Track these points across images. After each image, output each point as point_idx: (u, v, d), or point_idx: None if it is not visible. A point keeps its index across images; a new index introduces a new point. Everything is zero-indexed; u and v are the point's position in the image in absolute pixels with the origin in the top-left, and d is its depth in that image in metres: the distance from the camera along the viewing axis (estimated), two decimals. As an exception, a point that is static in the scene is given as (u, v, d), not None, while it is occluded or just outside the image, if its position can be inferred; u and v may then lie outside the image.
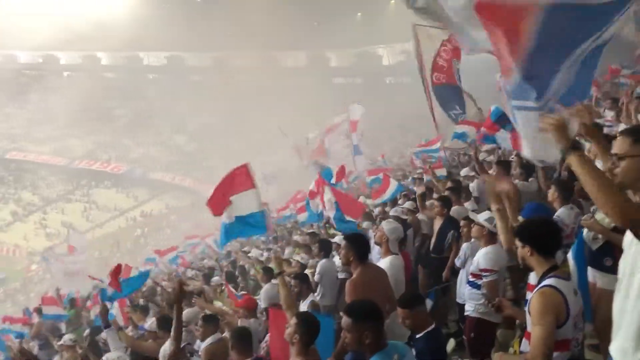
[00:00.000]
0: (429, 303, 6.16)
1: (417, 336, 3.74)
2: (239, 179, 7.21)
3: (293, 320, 3.72)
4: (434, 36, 9.39)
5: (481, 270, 4.75)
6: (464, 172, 9.83)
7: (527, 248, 3.04)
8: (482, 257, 4.79)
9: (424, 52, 9.32)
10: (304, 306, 5.64)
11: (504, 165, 7.20)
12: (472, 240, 5.34)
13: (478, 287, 4.80)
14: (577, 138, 2.51)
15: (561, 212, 4.93)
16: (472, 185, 8.42)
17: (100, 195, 50.31)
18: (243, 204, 7.00)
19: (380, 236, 4.94)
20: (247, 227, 7.05)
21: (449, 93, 9.16)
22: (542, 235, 3.06)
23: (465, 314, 5.06)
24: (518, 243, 3.10)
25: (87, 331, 8.86)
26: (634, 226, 2.21)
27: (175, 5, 49.57)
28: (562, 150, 2.44)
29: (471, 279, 4.94)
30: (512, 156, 9.08)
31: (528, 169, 6.99)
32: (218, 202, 7.18)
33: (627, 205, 2.18)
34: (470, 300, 4.94)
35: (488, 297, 3.72)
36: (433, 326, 3.82)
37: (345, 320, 3.10)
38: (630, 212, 2.16)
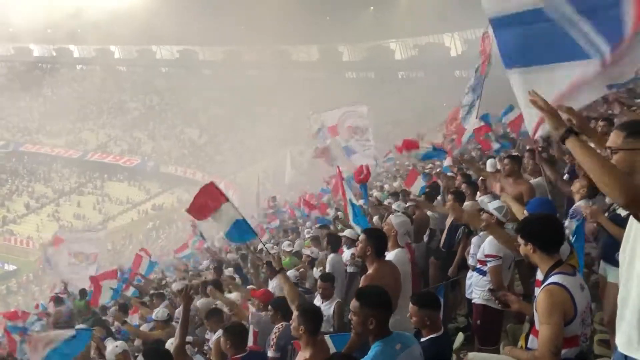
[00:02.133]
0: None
1: (422, 339, 3.66)
2: (209, 199, 7.53)
3: (295, 314, 3.83)
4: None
5: (486, 255, 4.79)
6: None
7: (529, 245, 3.03)
8: (487, 243, 4.85)
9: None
10: (327, 307, 5.67)
11: (516, 160, 7.12)
12: (481, 233, 5.33)
13: (484, 273, 4.84)
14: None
15: (581, 204, 4.89)
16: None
17: (112, 188, 50.64)
18: (220, 219, 7.36)
19: (389, 229, 4.92)
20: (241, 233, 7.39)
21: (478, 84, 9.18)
22: (543, 231, 3.04)
23: (473, 301, 5.08)
24: (520, 240, 3.08)
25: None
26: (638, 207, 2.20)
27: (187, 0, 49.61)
28: (561, 136, 2.42)
29: (477, 266, 4.98)
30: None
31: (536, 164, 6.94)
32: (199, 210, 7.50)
33: (633, 186, 2.17)
34: (476, 287, 4.98)
35: (497, 292, 3.69)
36: (440, 333, 3.74)
37: (353, 302, 3.19)
38: (636, 193, 2.15)
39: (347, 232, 7.76)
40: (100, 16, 49.55)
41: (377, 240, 4.43)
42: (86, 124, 58.08)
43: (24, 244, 43.51)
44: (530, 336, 3.17)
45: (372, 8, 49.82)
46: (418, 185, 10.89)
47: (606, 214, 4.36)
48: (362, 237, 4.45)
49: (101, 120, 58.37)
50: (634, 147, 2.42)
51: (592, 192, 4.92)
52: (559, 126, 2.48)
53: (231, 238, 7.59)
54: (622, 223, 3.89)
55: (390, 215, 5.48)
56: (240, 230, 7.29)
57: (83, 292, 12.53)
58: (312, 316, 3.82)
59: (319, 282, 6.00)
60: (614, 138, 2.51)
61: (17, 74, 64.18)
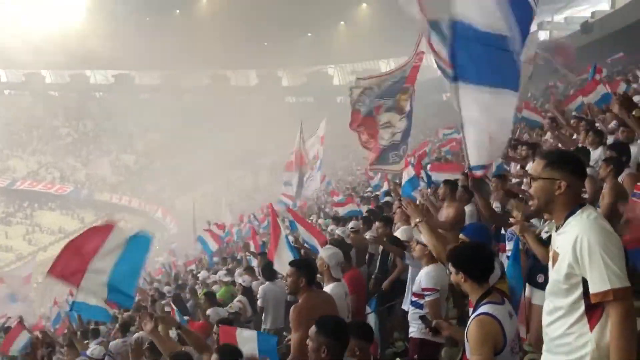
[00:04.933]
0: (372, 318, 6.16)
1: None
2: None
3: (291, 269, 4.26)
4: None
5: (423, 289, 4.76)
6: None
7: (460, 274, 3.05)
8: (424, 276, 4.78)
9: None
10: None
11: (450, 184, 7.24)
12: (410, 259, 5.37)
13: (421, 306, 4.79)
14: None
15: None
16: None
17: (44, 217, 48.54)
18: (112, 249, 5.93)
19: (321, 265, 4.84)
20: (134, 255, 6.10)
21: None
22: (474, 261, 3.06)
23: (410, 334, 5.05)
24: (451, 269, 3.11)
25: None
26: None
27: (123, 23, 48.75)
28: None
29: (414, 299, 4.94)
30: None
31: (468, 190, 7.04)
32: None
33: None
34: (413, 321, 4.92)
35: (428, 320, 3.68)
36: None
37: (312, 328, 3.20)
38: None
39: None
40: (30, 40, 47.89)
41: (308, 270, 4.37)
42: (15, 151, 55.64)
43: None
44: (464, 363, 3.18)
45: (309, 34, 50.55)
46: (348, 209, 10.96)
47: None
48: (291, 270, 4.34)
49: (31, 147, 56.07)
50: (551, 176, 2.52)
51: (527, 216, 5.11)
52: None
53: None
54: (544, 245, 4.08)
55: (320, 250, 5.42)
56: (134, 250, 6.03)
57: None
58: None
59: None
60: (535, 166, 2.61)
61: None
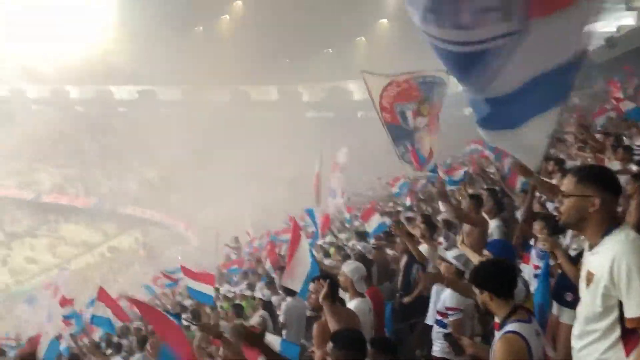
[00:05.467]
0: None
1: None
2: None
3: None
4: (378, 81, 9.49)
5: (447, 308, 4.73)
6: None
7: (485, 293, 3.03)
8: (448, 295, 4.76)
9: (373, 94, 9.41)
10: None
11: (475, 198, 7.19)
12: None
13: (445, 326, 4.77)
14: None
15: None
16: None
17: (68, 230, 49.18)
18: None
19: (344, 280, 4.84)
20: None
21: (396, 132, 9.22)
22: (498, 277, 3.06)
23: (432, 354, 5.01)
24: (475, 290, 3.09)
25: None
26: None
27: (147, 40, 49.59)
28: None
29: (438, 318, 4.92)
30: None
31: (500, 204, 6.99)
32: None
33: None
34: (437, 340, 4.90)
35: (452, 338, 3.66)
36: None
37: (328, 344, 3.22)
38: None
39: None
40: (56, 57, 48.96)
41: (331, 285, 4.38)
42: (41, 164, 56.60)
43: (-28, 290, 41.57)
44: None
45: (330, 50, 50.82)
46: (375, 223, 10.84)
47: None
48: (313, 286, 4.35)
49: (56, 161, 56.99)
50: (583, 193, 2.46)
51: (553, 231, 5.06)
52: None
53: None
54: (573, 263, 4.02)
55: (342, 265, 5.42)
56: None
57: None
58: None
59: None
60: (567, 182, 2.57)
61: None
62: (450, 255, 4.91)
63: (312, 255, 6.61)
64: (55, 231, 49.21)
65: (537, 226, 5.37)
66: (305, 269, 6.28)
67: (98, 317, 9.96)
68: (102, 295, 10.46)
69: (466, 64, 3.12)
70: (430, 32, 3.02)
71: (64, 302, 12.32)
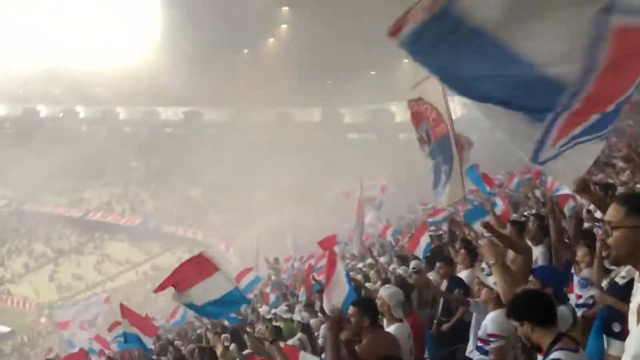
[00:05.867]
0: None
1: None
2: (197, 269, 7.19)
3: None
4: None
5: (489, 335, 4.56)
6: None
7: (526, 325, 2.89)
8: (489, 321, 4.59)
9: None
10: None
11: (517, 225, 6.98)
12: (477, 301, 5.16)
13: (486, 353, 4.61)
14: None
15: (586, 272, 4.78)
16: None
17: (113, 248, 50.32)
18: (210, 288, 7.03)
19: (382, 304, 4.73)
20: (225, 305, 7.06)
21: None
22: (534, 306, 2.92)
23: (473, 380, 4.85)
24: (514, 324, 2.95)
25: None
26: None
27: (193, 62, 50.88)
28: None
29: (479, 344, 4.75)
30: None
31: (544, 230, 6.74)
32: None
33: None
34: (477, 367, 4.74)
35: None
36: None
37: None
38: None
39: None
40: (108, 78, 50.59)
41: (372, 309, 4.27)
42: (89, 183, 58.34)
43: (20, 304, 42.82)
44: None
45: (372, 72, 50.92)
46: (423, 243, 10.58)
47: (605, 282, 4.26)
48: (353, 310, 4.23)
49: (104, 180, 58.66)
50: (635, 224, 2.22)
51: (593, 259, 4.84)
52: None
53: (208, 314, 7.33)
54: (620, 292, 3.81)
55: (381, 289, 5.30)
56: (228, 301, 7.03)
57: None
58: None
59: None
60: (614, 212, 2.31)
61: (24, 134, 65.05)
62: (491, 280, 4.74)
63: (349, 280, 6.52)
64: (101, 248, 50.41)
65: (580, 252, 5.14)
66: (342, 293, 6.20)
67: (130, 334, 9.99)
68: (126, 312, 10.48)
69: None
70: None
71: (113, 326, 12.55)
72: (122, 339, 11.75)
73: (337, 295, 6.28)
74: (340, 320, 3.58)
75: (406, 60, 51.14)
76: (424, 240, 10.64)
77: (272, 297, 16.27)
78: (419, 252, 10.40)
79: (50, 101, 63.20)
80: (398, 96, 53.78)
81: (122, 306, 10.80)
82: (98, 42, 50.48)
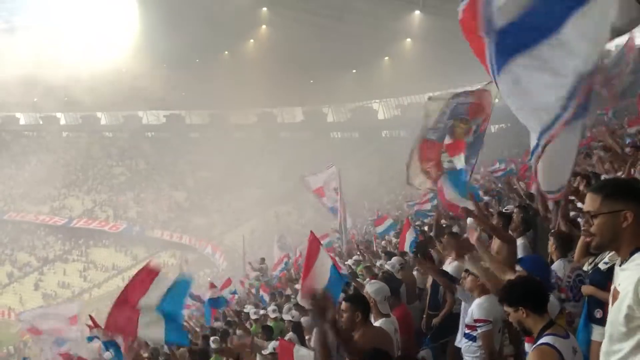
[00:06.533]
0: (427, 357, 6.01)
1: None
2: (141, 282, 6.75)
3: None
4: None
5: (475, 320, 4.65)
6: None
7: (520, 311, 2.97)
8: (476, 307, 4.68)
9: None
10: None
11: (504, 217, 7.07)
12: (464, 291, 5.23)
13: (474, 339, 4.70)
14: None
15: (555, 265, 4.88)
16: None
17: (98, 254, 49.93)
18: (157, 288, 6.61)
19: (368, 300, 4.78)
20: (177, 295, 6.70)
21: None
22: (529, 293, 3.00)
23: (465, 368, 4.92)
24: (508, 309, 3.02)
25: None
26: None
27: (173, 65, 50.62)
28: None
29: (466, 331, 4.83)
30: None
31: (527, 223, 6.83)
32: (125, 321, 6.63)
33: None
34: (467, 353, 4.81)
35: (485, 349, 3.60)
36: None
37: None
38: None
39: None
40: (87, 83, 50.03)
41: (364, 304, 4.31)
42: (72, 190, 57.79)
43: (5, 315, 42.28)
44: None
45: (354, 70, 51.12)
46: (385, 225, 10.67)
47: (588, 266, 4.36)
48: (346, 305, 4.24)
49: (86, 186, 58.15)
50: (613, 209, 2.30)
51: (562, 251, 4.97)
52: None
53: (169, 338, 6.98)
54: (602, 278, 3.91)
55: (366, 285, 5.34)
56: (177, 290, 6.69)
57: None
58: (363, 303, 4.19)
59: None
60: (591, 202, 2.39)
61: (3, 142, 64.26)
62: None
63: (335, 271, 6.36)
64: (86, 255, 49.96)
65: (550, 243, 5.21)
66: (325, 277, 6.07)
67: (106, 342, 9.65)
68: (95, 324, 10.11)
69: None
70: None
71: (93, 327, 12.27)
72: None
73: (319, 281, 6.17)
74: (324, 300, 3.48)
75: (387, 58, 51.52)
76: (410, 235, 10.75)
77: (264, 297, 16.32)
78: (406, 247, 10.50)
79: (29, 108, 62.39)
80: (380, 94, 54.17)
81: (91, 318, 10.39)
82: (76, 47, 49.89)
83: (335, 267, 6.56)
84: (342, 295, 6.18)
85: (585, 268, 4.17)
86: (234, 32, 46.60)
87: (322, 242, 8.03)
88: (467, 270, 4.97)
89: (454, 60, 34.17)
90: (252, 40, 50.81)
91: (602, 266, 4.02)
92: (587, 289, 4.15)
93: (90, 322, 9.98)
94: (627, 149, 8.69)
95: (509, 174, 15.19)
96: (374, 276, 7.71)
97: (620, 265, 2.36)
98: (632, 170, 7.04)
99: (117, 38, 49.97)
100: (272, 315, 9.88)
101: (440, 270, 6.42)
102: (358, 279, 8.65)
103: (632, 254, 2.29)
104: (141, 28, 48.79)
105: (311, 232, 7.46)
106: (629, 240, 2.30)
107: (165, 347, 10.91)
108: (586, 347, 3.90)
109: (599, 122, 20.10)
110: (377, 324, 4.69)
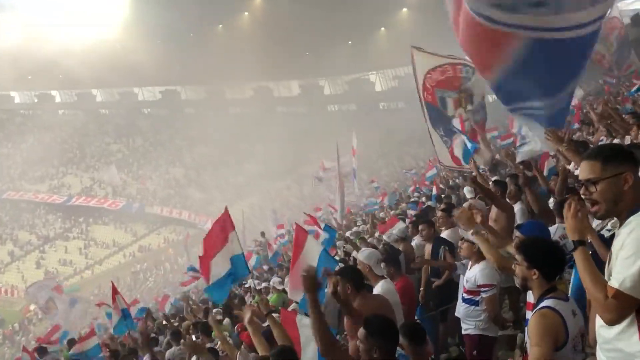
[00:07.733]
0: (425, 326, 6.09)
1: None
2: (220, 231, 7.22)
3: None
4: (425, 61, 9.72)
5: (479, 286, 4.73)
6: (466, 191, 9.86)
7: (533, 270, 2.95)
8: (478, 273, 4.76)
9: (418, 71, 9.65)
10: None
11: (500, 184, 7.16)
12: (464, 261, 5.30)
13: (476, 303, 4.77)
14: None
15: (551, 229, 4.92)
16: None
17: (98, 232, 50.09)
18: (224, 257, 6.97)
19: (363, 267, 4.84)
20: (230, 277, 7.09)
21: (434, 112, 9.33)
22: (551, 258, 2.97)
23: (465, 332, 4.99)
24: (523, 262, 2.98)
25: None
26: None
27: (167, 40, 50.03)
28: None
29: (467, 297, 4.88)
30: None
31: (519, 188, 6.94)
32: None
33: (615, 308, 2.24)
34: (468, 318, 4.88)
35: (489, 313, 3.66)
36: None
37: (360, 330, 3.20)
38: (619, 314, 2.24)
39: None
40: (80, 58, 49.46)
41: (353, 275, 4.33)
42: (70, 168, 57.70)
43: (8, 293, 42.62)
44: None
45: (350, 42, 50.64)
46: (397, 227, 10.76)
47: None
48: (335, 280, 4.26)
49: (84, 164, 58.04)
50: (614, 173, 2.31)
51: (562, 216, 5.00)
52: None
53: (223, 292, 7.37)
54: (606, 244, 3.92)
55: (357, 254, 5.43)
56: (233, 272, 7.05)
57: (72, 342, 12.17)
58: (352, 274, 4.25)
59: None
60: (590, 168, 2.38)
61: (-2, 122, 63.96)
62: (471, 235, 4.87)
63: (327, 255, 6.34)
64: (86, 233, 50.14)
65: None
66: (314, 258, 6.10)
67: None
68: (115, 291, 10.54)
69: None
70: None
71: (100, 303, 12.53)
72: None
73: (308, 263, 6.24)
74: (314, 277, 3.48)
75: (382, 29, 50.99)
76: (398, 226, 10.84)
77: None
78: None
79: (24, 87, 61.91)
80: (377, 65, 53.70)
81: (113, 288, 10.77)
82: (69, 21, 49.22)
83: (327, 252, 6.58)
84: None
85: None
86: (227, 5, 46.01)
87: (317, 214, 8.20)
88: (462, 238, 5.05)
89: (450, 31, 33.83)
90: (246, 13, 50.22)
91: (605, 233, 4.02)
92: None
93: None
94: (625, 116, 8.69)
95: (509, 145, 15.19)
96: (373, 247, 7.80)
97: (618, 229, 2.37)
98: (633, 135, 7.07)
99: (109, 12, 49.24)
100: (279, 287, 9.99)
101: (434, 247, 6.52)
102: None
103: (627, 217, 2.30)
104: (134, 1, 48.16)
105: (296, 223, 7.61)
106: (629, 203, 2.32)
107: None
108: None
109: (595, 90, 20.09)
110: (378, 286, 4.75)
